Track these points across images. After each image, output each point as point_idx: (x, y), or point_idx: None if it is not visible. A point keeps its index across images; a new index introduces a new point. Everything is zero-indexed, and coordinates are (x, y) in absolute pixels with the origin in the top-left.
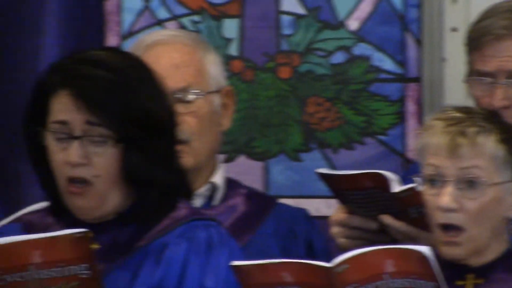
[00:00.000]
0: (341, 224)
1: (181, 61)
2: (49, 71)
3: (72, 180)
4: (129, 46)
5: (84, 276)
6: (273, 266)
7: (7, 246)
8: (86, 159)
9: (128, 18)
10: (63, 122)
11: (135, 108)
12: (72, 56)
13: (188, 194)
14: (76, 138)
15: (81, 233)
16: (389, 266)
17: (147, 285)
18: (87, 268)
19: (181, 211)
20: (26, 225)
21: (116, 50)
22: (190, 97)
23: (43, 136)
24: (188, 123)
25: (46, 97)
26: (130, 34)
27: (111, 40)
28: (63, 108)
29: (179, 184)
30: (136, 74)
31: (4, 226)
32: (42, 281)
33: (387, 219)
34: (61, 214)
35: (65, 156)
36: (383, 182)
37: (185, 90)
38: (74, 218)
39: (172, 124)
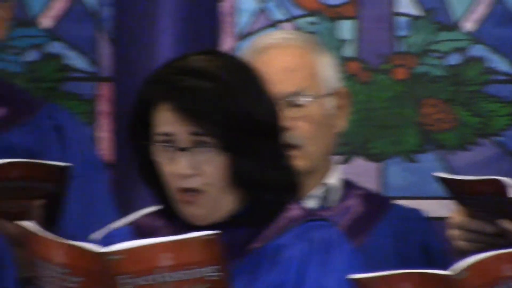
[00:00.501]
0: (460, 226)
1: (293, 64)
2: (149, 83)
3: (184, 190)
4: (243, 48)
5: (213, 278)
6: (394, 278)
7: (136, 249)
8: (195, 170)
9: (243, 19)
10: (168, 134)
11: (239, 114)
12: (172, 65)
13: (297, 193)
14: (182, 150)
15: (211, 235)
16: (509, 270)
17: (266, 287)
18: (216, 270)
19: (294, 211)
20: (136, 228)
21: (216, 54)
22: (302, 101)
23: (150, 149)
24: (300, 128)
25: (147, 110)
26: (245, 35)
27: (226, 42)
28: (167, 121)
29: (289, 184)
30: (238, 80)
31: (115, 229)
32: (171, 284)
33: (506, 224)
34: (172, 217)
35: (174, 168)
36: (502, 188)
37: (297, 94)
38: (185, 222)
39: (277, 124)
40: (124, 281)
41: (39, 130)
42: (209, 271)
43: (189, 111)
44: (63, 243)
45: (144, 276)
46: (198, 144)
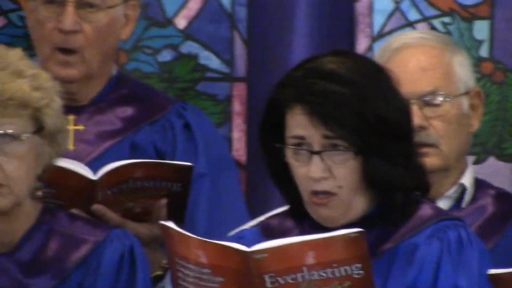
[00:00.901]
0: None
1: (429, 64)
2: (281, 86)
3: (316, 193)
4: (378, 48)
5: (357, 276)
6: None
7: (282, 247)
8: (328, 173)
9: (378, 20)
10: (300, 137)
11: (370, 117)
12: (304, 67)
13: (428, 193)
14: (315, 153)
15: (356, 233)
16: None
17: (400, 287)
18: (360, 268)
19: (426, 211)
20: (265, 229)
21: (347, 55)
22: (438, 100)
23: (283, 152)
24: (435, 127)
25: (280, 111)
26: (380, 35)
27: (361, 42)
28: (299, 124)
29: (421, 184)
30: (370, 83)
31: (244, 230)
32: (315, 282)
33: None
34: (301, 218)
35: (306, 171)
36: None
37: (432, 93)
38: (314, 222)
39: (409, 124)
40: (272, 279)
41: (168, 129)
42: (355, 269)
43: (321, 114)
44: (206, 242)
45: (291, 274)
46: (331, 147)
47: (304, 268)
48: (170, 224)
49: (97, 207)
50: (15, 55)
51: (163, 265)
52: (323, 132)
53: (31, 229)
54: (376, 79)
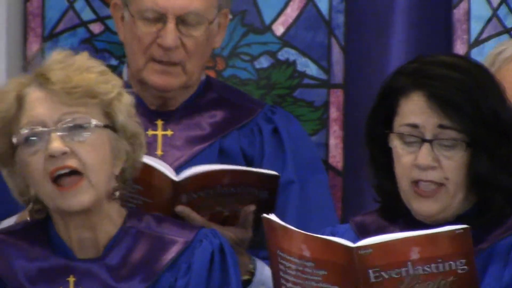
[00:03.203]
0: None
1: None
2: (397, 74)
3: (419, 183)
4: (477, 54)
5: (461, 271)
6: None
7: (387, 243)
8: (436, 162)
9: (475, 26)
10: (414, 125)
11: (486, 110)
12: (420, 59)
13: None
14: (427, 141)
15: (461, 229)
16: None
17: (496, 286)
18: (464, 263)
19: None
20: (359, 226)
21: (460, 56)
22: None
23: (389, 139)
24: None
25: (394, 100)
26: (477, 42)
27: (458, 48)
28: (416, 110)
29: None
30: (484, 77)
31: (337, 226)
32: (419, 276)
33: None
34: (393, 216)
35: (413, 159)
36: None
37: None
38: (408, 220)
39: None
40: (375, 274)
41: (256, 133)
42: (459, 265)
43: (439, 98)
44: (310, 236)
45: (395, 269)
46: (443, 138)
47: (409, 263)
48: (273, 218)
49: (181, 208)
50: (82, 55)
51: (250, 270)
52: (438, 120)
53: (118, 233)
54: (490, 77)
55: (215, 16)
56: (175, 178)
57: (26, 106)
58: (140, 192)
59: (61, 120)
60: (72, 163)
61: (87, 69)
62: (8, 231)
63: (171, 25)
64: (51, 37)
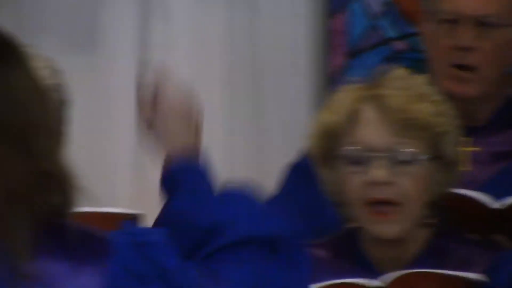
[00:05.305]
0: None
1: None
2: None
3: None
4: None
5: None
6: None
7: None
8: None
9: None
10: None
11: None
12: None
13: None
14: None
15: None
16: None
17: None
18: None
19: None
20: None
21: None
22: None
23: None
24: None
25: None
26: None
27: None
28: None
29: None
30: None
31: None
32: None
33: None
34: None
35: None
36: None
37: None
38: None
39: None
40: None
41: None
42: None
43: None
44: None
45: None
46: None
47: None
48: None
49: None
50: (419, 79)
51: None
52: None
53: (422, 252)
54: None
55: None
56: (494, 205)
57: (358, 124)
58: (450, 219)
59: (390, 149)
60: (392, 195)
61: (424, 97)
62: (314, 243)
63: (466, 25)
64: (354, 54)
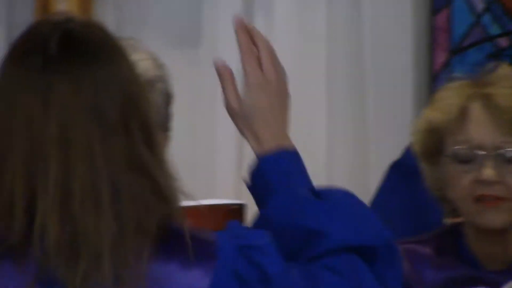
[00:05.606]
0: None
1: None
2: None
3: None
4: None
5: None
6: None
7: None
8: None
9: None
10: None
11: None
12: None
13: None
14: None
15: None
16: None
17: None
18: None
19: None
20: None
21: None
22: None
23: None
24: None
25: None
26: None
27: None
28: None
29: None
30: None
31: None
32: None
33: None
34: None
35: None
36: None
37: None
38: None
39: None
40: None
41: None
42: None
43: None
44: None
45: None
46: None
47: None
48: None
49: None
50: None
51: None
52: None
53: None
54: None
55: None
56: None
57: (468, 122)
58: None
59: (499, 148)
60: (499, 192)
61: None
62: (418, 240)
63: None
64: (457, 51)
